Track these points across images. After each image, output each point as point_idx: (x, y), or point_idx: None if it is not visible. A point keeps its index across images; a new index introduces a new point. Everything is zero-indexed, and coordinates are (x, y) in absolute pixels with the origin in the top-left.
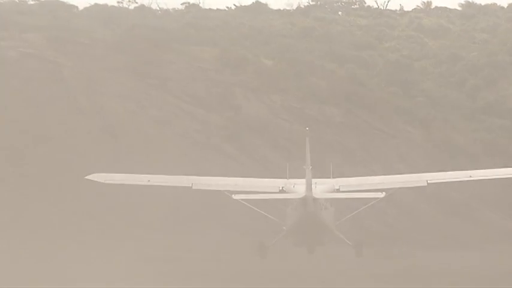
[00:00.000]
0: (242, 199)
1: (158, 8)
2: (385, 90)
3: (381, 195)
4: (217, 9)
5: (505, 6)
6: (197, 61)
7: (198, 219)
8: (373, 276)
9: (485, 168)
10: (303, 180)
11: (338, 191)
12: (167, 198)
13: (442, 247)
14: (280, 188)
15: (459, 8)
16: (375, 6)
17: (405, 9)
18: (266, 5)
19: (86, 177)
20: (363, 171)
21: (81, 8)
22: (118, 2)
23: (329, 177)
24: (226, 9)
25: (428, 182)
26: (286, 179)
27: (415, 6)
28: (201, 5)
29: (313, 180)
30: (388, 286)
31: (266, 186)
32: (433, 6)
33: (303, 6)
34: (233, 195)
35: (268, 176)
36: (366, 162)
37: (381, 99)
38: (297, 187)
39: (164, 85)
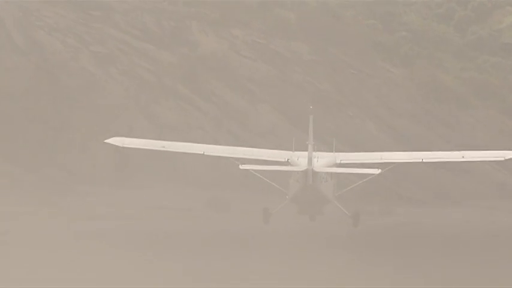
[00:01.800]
0: (249, 169)
1: None
2: (362, 23)
3: (377, 171)
4: None
5: None
6: None
7: (147, 173)
8: (349, 234)
9: (475, 111)
10: (306, 154)
11: (340, 164)
12: (112, 152)
13: (430, 203)
14: (286, 160)
15: None
16: None
17: None
18: None
19: (105, 141)
20: (337, 116)
21: None
22: None
23: (324, 146)
24: None
25: (424, 160)
26: (291, 152)
27: None
28: None
29: (316, 154)
30: (360, 246)
31: (274, 156)
32: None
33: None
34: (240, 165)
35: (228, 120)
36: (341, 105)
37: (357, 34)
38: (301, 160)
39: (108, 17)
